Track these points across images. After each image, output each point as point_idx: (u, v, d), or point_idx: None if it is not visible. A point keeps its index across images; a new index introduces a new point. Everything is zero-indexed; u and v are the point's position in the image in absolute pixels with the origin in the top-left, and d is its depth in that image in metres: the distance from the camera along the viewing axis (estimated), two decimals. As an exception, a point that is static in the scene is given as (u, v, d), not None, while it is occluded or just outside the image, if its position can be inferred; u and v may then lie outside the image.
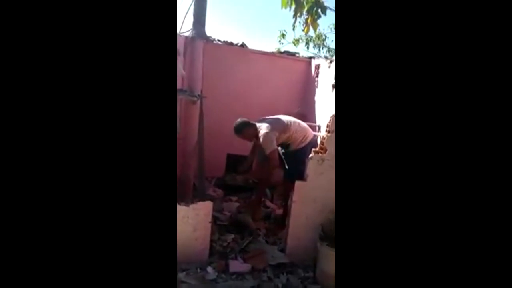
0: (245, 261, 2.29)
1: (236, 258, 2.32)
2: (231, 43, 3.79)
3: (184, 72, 2.94)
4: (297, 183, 2.28)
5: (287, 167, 2.80)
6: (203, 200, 2.22)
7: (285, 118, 2.77)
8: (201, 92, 2.98)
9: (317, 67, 3.79)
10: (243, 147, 3.17)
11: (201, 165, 3.09)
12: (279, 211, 3.09)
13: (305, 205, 2.30)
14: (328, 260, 2.00)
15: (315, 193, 2.27)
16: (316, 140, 2.86)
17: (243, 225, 2.73)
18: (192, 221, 2.14)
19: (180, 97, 2.75)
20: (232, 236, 2.57)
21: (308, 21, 2.17)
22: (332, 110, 2.33)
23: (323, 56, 4.33)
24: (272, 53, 4.05)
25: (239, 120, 2.73)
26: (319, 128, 3.48)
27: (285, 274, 2.23)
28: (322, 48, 5.65)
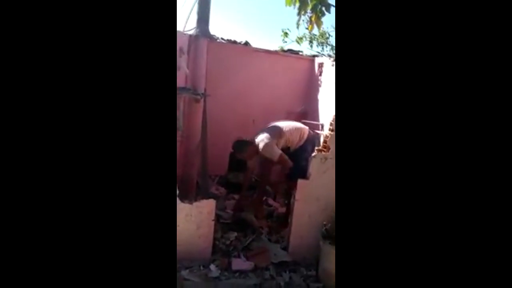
0: (247, 259, 2.30)
1: (239, 256, 2.33)
2: (235, 42, 3.79)
3: (187, 71, 2.94)
4: (300, 182, 2.28)
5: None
6: (206, 198, 2.23)
7: (279, 124, 2.81)
8: (205, 90, 2.99)
9: (321, 65, 3.78)
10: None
11: (204, 164, 3.10)
12: (282, 209, 3.09)
13: (308, 203, 2.30)
14: (330, 259, 2.00)
15: (318, 192, 2.27)
16: (314, 136, 2.87)
17: (246, 223, 2.74)
18: (195, 219, 2.15)
19: (183, 95, 2.75)
20: (235, 234, 2.58)
21: (312, 19, 2.16)
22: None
23: (326, 55, 4.31)
24: (276, 52, 4.03)
25: (237, 140, 2.75)
26: (322, 126, 3.47)
27: (287, 272, 2.23)
28: (326, 46, 5.62)
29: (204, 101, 2.98)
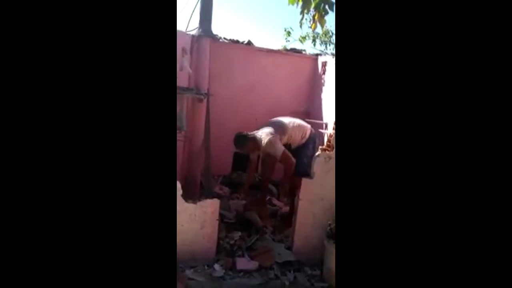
0: (252, 258, 2.30)
1: (243, 256, 2.33)
2: (237, 41, 3.79)
3: (190, 71, 2.94)
4: (304, 181, 2.28)
5: None
6: (210, 198, 2.23)
7: (282, 119, 2.78)
8: (208, 90, 2.99)
9: (324, 64, 3.77)
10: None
11: (207, 163, 3.10)
12: (286, 209, 3.09)
13: (312, 203, 2.29)
14: (335, 258, 2.00)
15: (322, 191, 2.26)
16: (315, 133, 2.85)
17: (250, 223, 2.73)
18: (199, 219, 2.15)
19: (186, 96, 2.75)
20: (239, 234, 2.58)
21: (316, 17, 2.15)
22: (339, 108, 2.31)
23: (330, 53, 4.28)
24: (279, 51, 4.03)
25: (237, 135, 2.72)
26: (326, 125, 3.46)
27: (292, 272, 2.23)
28: (329, 45, 5.59)
29: (207, 101, 2.98)
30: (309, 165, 2.36)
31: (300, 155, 2.67)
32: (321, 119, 3.59)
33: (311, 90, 3.99)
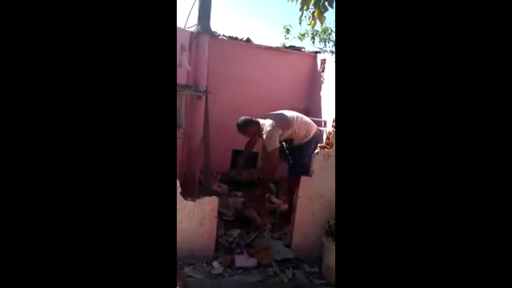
0: (250, 256, 2.30)
1: (242, 253, 2.33)
2: (236, 38, 3.77)
3: (189, 68, 2.93)
4: (303, 179, 2.28)
5: (291, 161, 2.79)
6: (209, 195, 2.23)
7: (289, 113, 2.75)
8: (207, 87, 2.98)
9: (323, 61, 3.76)
10: (249, 142, 3.15)
11: (206, 161, 3.09)
12: (284, 206, 3.09)
13: (311, 200, 2.29)
14: (333, 256, 2.00)
15: (321, 189, 2.26)
16: (319, 134, 2.84)
17: (248, 220, 2.73)
18: (198, 216, 2.15)
19: (185, 93, 2.74)
20: (238, 231, 2.58)
21: (315, 14, 2.14)
22: (338, 105, 2.31)
23: (329, 51, 4.28)
24: (278, 48, 4.02)
25: (242, 117, 2.71)
26: (325, 123, 3.46)
27: (290, 269, 2.23)
28: (328, 42, 5.59)
29: (206, 98, 2.97)
30: (309, 166, 2.35)
31: (301, 154, 2.66)
32: (320, 117, 3.59)
33: (310, 87, 3.98)
